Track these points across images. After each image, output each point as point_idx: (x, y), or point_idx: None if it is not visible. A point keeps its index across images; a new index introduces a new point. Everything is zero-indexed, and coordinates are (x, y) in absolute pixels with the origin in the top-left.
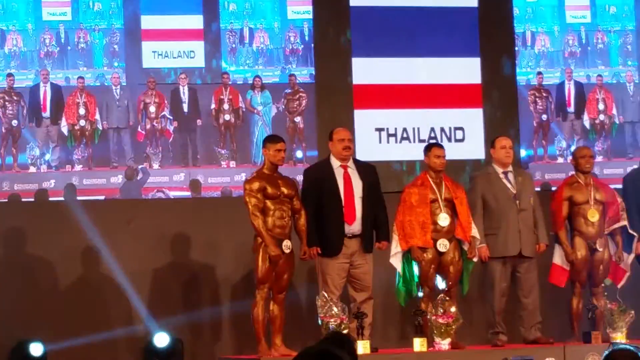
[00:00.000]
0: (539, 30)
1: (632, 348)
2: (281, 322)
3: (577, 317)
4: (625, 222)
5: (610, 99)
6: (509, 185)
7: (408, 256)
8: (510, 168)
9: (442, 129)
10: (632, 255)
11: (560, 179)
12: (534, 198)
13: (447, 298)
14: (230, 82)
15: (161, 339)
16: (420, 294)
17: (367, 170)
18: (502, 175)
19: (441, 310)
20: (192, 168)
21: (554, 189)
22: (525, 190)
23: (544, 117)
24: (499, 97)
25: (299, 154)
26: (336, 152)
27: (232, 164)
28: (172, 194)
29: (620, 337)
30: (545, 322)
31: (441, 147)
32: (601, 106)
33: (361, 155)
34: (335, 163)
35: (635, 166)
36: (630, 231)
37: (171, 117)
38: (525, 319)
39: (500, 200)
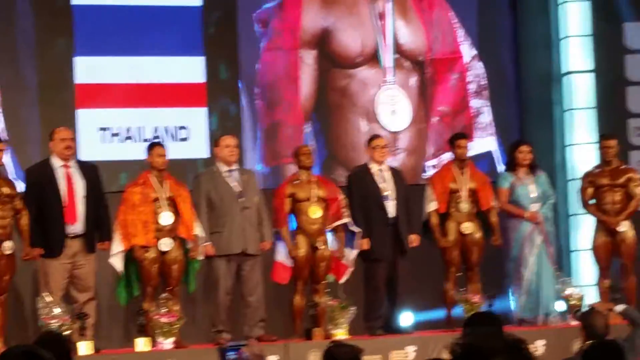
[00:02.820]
0: None
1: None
2: (3, 324)
3: (299, 314)
4: (347, 219)
5: None
6: (233, 184)
7: (130, 255)
8: (235, 166)
9: (166, 128)
10: (355, 252)
11: (284, 176)
12: (258, 196)
13: (171, 297)
14: None
15: None
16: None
17: (89, 169)
18: (226, 174)
19: (164, 309)
20: None
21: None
22: (250, 188)
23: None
24: (223, 96)
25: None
26: (57, 152)
27: None
28: None
29: (341, 334)
30: (268, 319)
31: (162, 145)
32: None
33: (84, 155)
34: (56, 163)
35: (360, 164)
36: (352, 228)
37: None
38: (249, 316)
39: (225, 198)
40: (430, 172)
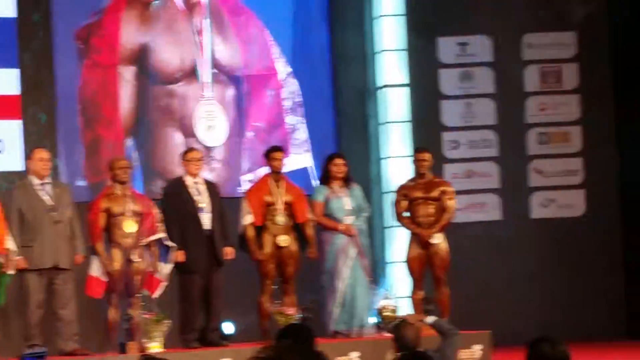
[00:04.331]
0: None
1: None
2: None
3: (114, 328)
4: (161, 234)
5: None
6: (45, 197)
7: None
8: (47, 180)
9: None
10: (169, 266)
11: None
12: (71, 210)
13: None
14: None
15: None
16: None
17: None
18: (38, 187)
19: None
20: None
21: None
22: (62, 202)
23: None
24: (38, 109)
25: None
26: None
27: None
28: None
29: (156, 347)
30: (83, 333)
31: None
32: None
33: None
34: None
35: (175, 177)
36: (167, 242)
37: None
38: (62, 330)
39: (37, 211)
40: (245, 187)
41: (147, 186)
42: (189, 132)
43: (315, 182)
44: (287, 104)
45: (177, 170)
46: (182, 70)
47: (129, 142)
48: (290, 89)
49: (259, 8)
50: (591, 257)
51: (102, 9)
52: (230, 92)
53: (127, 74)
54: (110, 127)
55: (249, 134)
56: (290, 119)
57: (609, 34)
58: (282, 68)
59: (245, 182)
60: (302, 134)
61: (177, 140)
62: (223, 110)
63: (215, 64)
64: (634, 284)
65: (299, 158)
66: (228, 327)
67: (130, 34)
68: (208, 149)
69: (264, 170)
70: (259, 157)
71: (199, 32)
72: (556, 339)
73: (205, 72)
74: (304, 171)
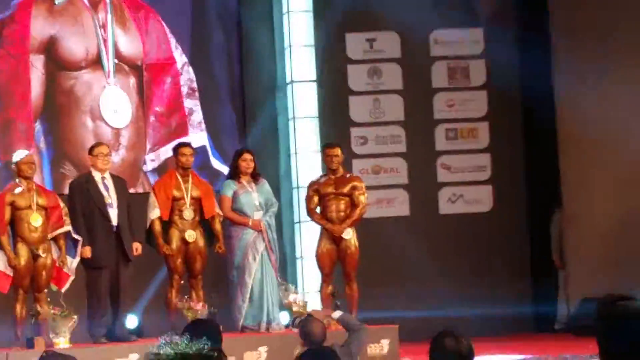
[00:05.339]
0: None
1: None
2: None
3: (20, 323)
4: (69, 227)
5: None
6: None
7: None
8: None
9: None
10: (77, 259)
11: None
12: None
13: None
14: None
15: None
16: None
17: None
18: None
19: None
20: None
21: None
22: None
23: None
24: None
25: None
26: None
27: None
28: None
29: (64, 342)
30: None
31: None
32: None
33: None
34: None
35: (82, 173)
36: (75, 235)
37: None
38: None
39: None
40: (149, 165)
41: (55, 168)
42: (95, 116)
43: (212, 159)
44: (184, 90)
45: (84, 154)
46: (87, 60)
47: (39, 125)
48: (187, 76)
49: (159, 4)
50: (498, 252)
51: (13, 5)
52: (132, 79)
53: (37, 63)
54: (21, 111)
55: (151, 118)
56: (188, 103)
57: (516, 30)
58: (179, 57)
59: (149, 161)
60: (198, 115)
61: (84, 123)
62: (126, 96)
63: (118, 55)
64: (540, 279)
65: (197, 137)
66: (132, 321)
67: (39, 26)
68: (115, 130)
69: (166, 150)
70: (160, 138)
71: (102, 27)
72: (460, 333)
73: (109, 62)
74: (202, 149)
